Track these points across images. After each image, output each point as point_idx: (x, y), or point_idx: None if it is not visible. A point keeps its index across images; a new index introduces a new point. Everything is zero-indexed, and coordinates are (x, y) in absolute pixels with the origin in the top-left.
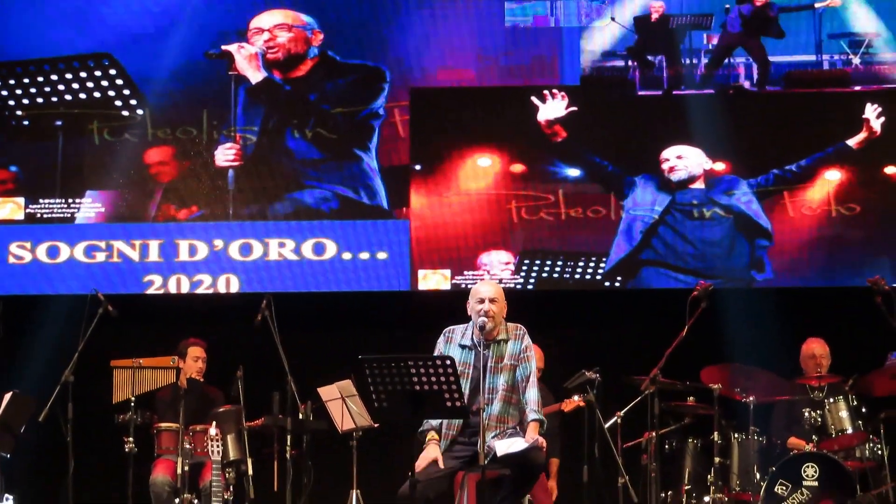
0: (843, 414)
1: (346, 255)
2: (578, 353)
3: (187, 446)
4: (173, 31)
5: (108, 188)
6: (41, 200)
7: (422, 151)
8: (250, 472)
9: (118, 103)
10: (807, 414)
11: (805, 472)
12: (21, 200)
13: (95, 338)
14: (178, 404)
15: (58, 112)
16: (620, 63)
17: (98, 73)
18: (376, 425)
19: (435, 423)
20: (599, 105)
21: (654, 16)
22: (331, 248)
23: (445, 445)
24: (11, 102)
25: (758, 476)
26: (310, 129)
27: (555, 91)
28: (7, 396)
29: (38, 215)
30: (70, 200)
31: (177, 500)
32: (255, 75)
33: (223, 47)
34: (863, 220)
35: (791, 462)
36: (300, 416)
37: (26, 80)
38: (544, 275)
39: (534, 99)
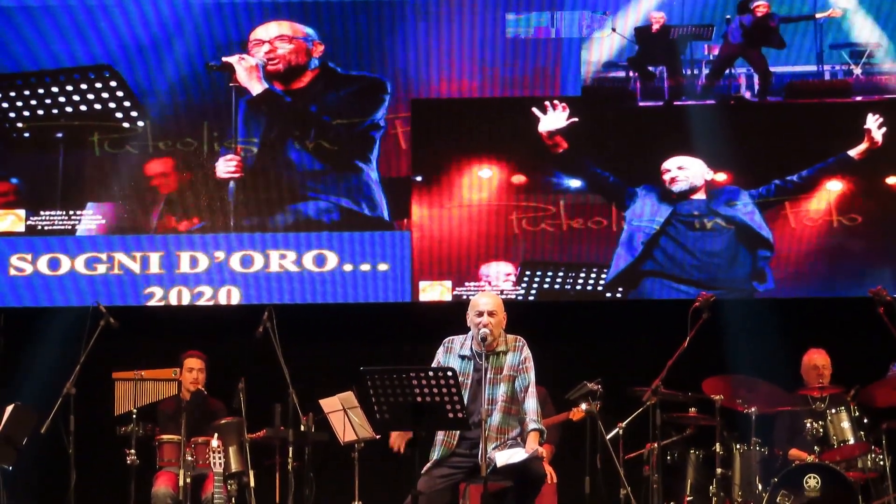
0: (845, 425)
1: (348, 267)
2: (580, 364)
3: (189, 458)
4: (174, 43)
5: (109, 200)
6: (42, 212)
7: (423, 162)
8: (252, 484)
9: (119, 115)
10: (809, 425)
11: (807, 482)
12: (22, 212)
13: (97, 350)
14: (179, 416)
15: (59, 124)
16: (621, 74)
17: (99, 85)
18: (378, 437)
19: None
20: (600, 116)
21: (655, 26)
22: (332, 260)
23: (444, 453)
24: (12, 115)
25: (760, 487)
26: (311, 141)
27: (556, 102)
28: (9, 409)
29: (39, 227)
30: (71, 212)
31: None
32: (256, 87)
33: (224, 59)
34: (864, 231)
35: (793, 473)
36: (302, 428)
37: (27, 93)
38: (545, 286)
39: (535, 110)
